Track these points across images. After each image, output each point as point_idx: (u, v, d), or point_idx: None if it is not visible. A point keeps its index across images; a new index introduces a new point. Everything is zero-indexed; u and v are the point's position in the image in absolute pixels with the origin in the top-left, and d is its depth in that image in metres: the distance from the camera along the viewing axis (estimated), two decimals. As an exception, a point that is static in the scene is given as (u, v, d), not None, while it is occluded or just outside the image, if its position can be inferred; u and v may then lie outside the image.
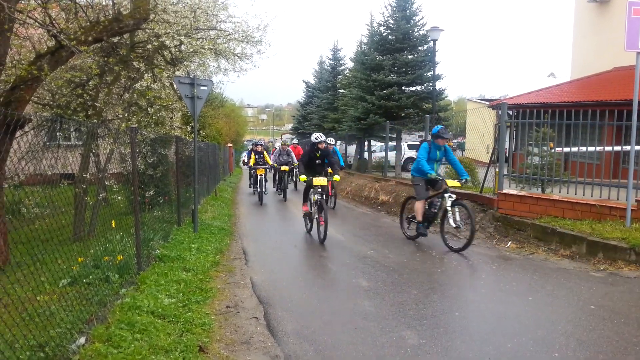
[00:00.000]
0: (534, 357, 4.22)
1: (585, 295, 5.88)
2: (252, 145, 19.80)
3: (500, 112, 9.95)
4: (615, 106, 11.84)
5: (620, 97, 13.77)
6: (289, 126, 79.24)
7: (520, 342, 4.48)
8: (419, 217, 8.98)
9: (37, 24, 6.98)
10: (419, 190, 9.02)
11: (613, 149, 9.63)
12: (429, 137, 9.24)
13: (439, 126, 8.92)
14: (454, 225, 8.43)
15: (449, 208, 8.42)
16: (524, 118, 10.71)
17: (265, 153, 17.12)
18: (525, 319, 5.08)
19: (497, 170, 9.85)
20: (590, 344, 4.41)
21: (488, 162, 10.85)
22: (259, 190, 16.17)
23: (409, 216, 9.59)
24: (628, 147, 8.15)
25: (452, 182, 8.68)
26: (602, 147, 9.59)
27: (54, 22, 7.40)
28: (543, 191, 9.69)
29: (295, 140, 20.87)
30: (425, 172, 8.65)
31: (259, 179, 16.28)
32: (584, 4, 19.88)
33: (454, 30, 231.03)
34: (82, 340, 4.09)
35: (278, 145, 19.74)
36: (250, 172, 20.24)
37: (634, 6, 7.62)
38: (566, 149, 10.15)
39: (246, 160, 21.20)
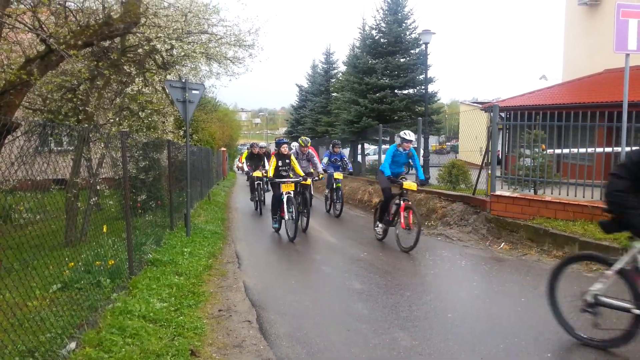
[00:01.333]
0: (527, 357, 4.22)
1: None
2: (258, 147, 15.72)
3: (492, 114, 9.98)
4: (606, 108, 11.92)
5: (611, 99, 13.85)
6: (283, 130, 79.28)
7: (513, 343, 4.49)
8: None
9: (26, 28, 6.96)
10: None
11: (604, 150, 9.68)
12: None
13: None
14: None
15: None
16: (515, 120, 10.74)
17: (293, 158, 10.86)
18: (517, 320, 5.08)
19: (490, 172, 9.87)
20: (582, 344, 4.41)
21: (480, 164, 10.88)
22: (287, 218, 9.93)
23: None
24: (619, 149, 8.19)
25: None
26: (593, 149, 9.64)
27: (43, 26, 7.38)
28: (535, 192, 9.72)
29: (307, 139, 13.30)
30: None
31: (285, 200, 9.96)
32: (575, 6, 20.02)
33: (446, 34, 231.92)
34: (73, 345, 4.06)
35: (294, 146, 13.16)
36: (255, 185, 14.99)
37: (623, 8, 7.68)
38: (558, 151, 10.20)
39: (246, 168, 15.70)
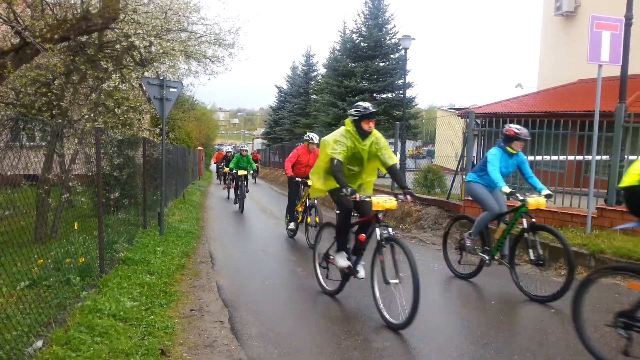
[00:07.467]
0: (496, 359, 4.28)
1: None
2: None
3: (468, 120, 10.11)
4: (578, 117, 12.14)
5: (584, 108, 14.13)
6: (261, 131, 79.02)
7: (482, 345, 4.55)
8: None
9: (0, 20, 6.82)
10: None
11: (575, 158, 9.88)
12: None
13: None
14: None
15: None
16: (491, 127, 10.91)
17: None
18: (487, 323, 5.16)
19: (464, 177, 9.98)
20: (549, 347, 4.51)
21: (456, 169, 11.01)
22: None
23: None
24: (590, 157, 8.37)
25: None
26: (565, 156, 9.83)
27: (18, 18, 7.24)
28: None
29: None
30: None
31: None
32: (551, 17, 20.40)
33: (425, 40, 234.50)
34: (40, 343, 3.98)
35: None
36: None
37: (597, 20, 7.85)
38: (531, 158, 10.36)
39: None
